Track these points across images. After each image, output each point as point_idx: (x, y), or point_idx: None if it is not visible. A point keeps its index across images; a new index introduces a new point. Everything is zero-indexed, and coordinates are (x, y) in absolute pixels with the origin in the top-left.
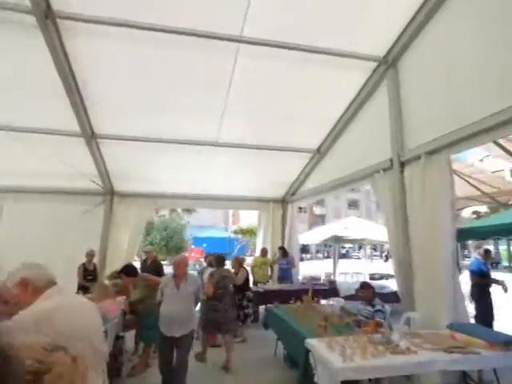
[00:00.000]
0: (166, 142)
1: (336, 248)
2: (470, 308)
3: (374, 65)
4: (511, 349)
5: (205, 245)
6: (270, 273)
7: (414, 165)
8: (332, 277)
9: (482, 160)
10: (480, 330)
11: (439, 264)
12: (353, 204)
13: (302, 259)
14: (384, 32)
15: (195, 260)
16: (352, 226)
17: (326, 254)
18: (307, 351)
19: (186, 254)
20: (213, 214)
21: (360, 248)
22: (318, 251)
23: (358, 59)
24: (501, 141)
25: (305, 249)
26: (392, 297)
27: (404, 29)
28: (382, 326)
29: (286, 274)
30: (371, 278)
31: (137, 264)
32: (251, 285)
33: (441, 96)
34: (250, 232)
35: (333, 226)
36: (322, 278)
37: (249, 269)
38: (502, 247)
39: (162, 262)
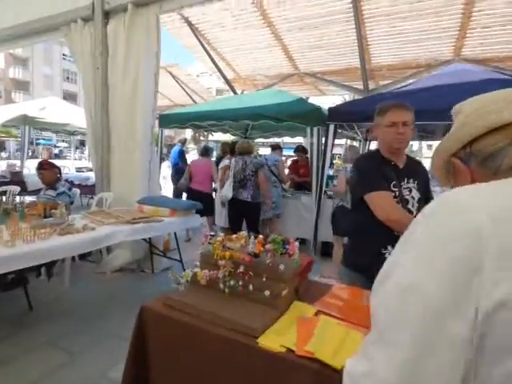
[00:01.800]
0: None
1: (25, 131)
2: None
3: None
4: (189, 214)
5: None
6: None
7: (120, 17)
8: (17, 168)
9: (198, 75)
10: (167, 200)
11: (137, 143)
12: (71, 77)
13: None
14: None
15: None
16: (52, 108)
17: (30, 154)
18: None
19: None
20: None
21: (77, 148)
22: (18, 150)
23: None
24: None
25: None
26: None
27: None
28: (68, 209)
29: None
30: (78, 171)
31: None
32: None
33: None
34: None
35: (24, 105)
36: (2, 169)
37: None
38: None
39: None
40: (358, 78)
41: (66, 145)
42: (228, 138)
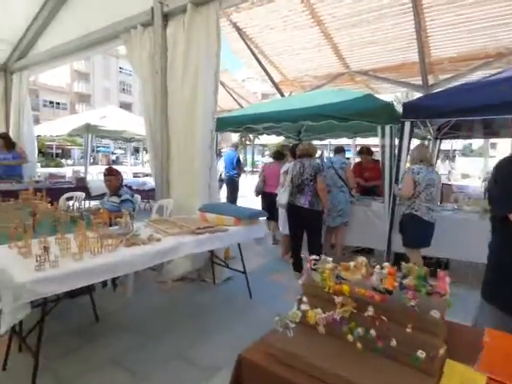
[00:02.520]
0: None
1: (88, 139)
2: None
3: None
4: (254, 222)
5: None
6: None
7: (179, 18)
8: (82, 174)
9: (244, 80)
10: (230, 207)
11: (197, 149)
12: (126, 88)
13: (59, 165)
14: None
15: None
16: (111, 116)
17: (92, 160)
18: None
19: None
20: None
21: (132, 155)
22: (82, 157)
23: None
24: None
25: (65, 154)
26: (152, 193)
27: None
28: (132, 217)
29: (9, 171)
30: (134, 176)
31: None
32: None
33: None
34: None
35: (87, 115)
36: (69, 175)
37: None
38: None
39: None
40: (415, 73)
41: (122, 151)
42: (277, 141)
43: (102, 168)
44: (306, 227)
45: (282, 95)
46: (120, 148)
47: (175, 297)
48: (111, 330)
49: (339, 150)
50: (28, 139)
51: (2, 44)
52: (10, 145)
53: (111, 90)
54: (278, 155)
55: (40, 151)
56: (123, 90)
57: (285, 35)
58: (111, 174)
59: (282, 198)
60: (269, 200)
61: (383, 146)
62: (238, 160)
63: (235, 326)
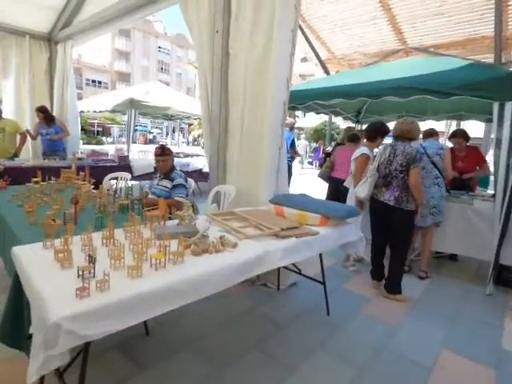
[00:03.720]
0: None
1: (132, 115)
2: None
3: None
4: (343, 223)
5: None
6: (17, 144)
7: None
8: (125, 153)
9: None
10: (312, 201)
11: (266, 123)
12: (165, 67)
13: (100, 142)
14: None
15: None
16: (155, 92)
17: (133, 139)
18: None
19: None
20: None
21: (167, 134)
22: (121, 135)
23: None
24: None
25: (105, 131)
26: (196, 175)
27: None
28: (196, 210)
29: (53, 146)
30: (175, 157)
31: None
32: None
33: None
34: None
35: (131, 89)
36: (111, 153)
37: None
38: None
39: None
40: (484, 49)
41: (158, 131)
42: (314, 124)
43: (140, 147)
44: (389, 228)
45: (328, 74)
46: (157, 127)
47: (236, 304)
48: (164, 347)
49: (431, 133)
50: (72, 113)
51: (47, 11)
52: (49, 119)
53: (150, 68)
54: (354, 137)
55: (82, 128)
56: (161, 69)
57: (337, 7)
58: (165, 154)
59: (361, 190)
60: (335, 185)
61: (498, 130)
62: (293, 142)
63: (316, 356)
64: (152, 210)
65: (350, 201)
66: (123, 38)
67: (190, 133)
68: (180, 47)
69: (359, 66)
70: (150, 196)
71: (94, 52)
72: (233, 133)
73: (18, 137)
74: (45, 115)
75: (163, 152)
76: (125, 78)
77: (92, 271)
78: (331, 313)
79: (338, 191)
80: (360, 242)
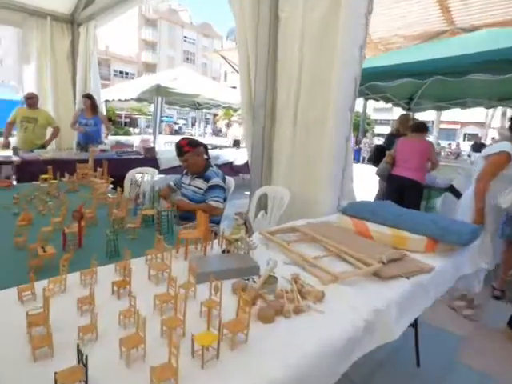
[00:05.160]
0: None
1: (158, 104)
2: None
3: None
4: (455, 249)
5: None
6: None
7: None
8: (152, 144)
9: None
10: (407, 214)
11: (329, 107)
12: (190, 57)
13: (127, 133)
14: None
15: None
16: (183, 78)
17: (159, 130)
18: None
19: None
20: None
21: (193, 125)
22: (147, 126)
23: None
24: None
25: (132, 122)
26: (227, 169)
27: None
28: (250, 232)
29: (88, 138)
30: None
31: None
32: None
33: None
34: None
35: (157, 76)
36: (136, 144)
37: None
38: None
39: None
40: None
41: (184, 122)
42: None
43: (166, 137)
44: None
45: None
46: (182, 118)
47: None
48: None
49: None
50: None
51: None
52: (94, 108)
53: (176, 59)
54: (420, 127)
55: (110, 119)
56: (187, 59)
57: None
58: (184, 152)
59: (503, 200)
60: (397, 185)
61: None
62: None
63: None
64: (185, 223)
65: (465, 214)
66: (150, 29)
67: (215, 123)
68: (205, 37)
69: (397, 50)
70: (179, 197)
71: (121, 43)
72: (281, 120)
73: (49, 130)
74: (92, 102)
75: (180, 152)
76: (151, 68)
77: (83, 381)
78: (422, 363)
79: (401, 193)
80: (476, 275)
